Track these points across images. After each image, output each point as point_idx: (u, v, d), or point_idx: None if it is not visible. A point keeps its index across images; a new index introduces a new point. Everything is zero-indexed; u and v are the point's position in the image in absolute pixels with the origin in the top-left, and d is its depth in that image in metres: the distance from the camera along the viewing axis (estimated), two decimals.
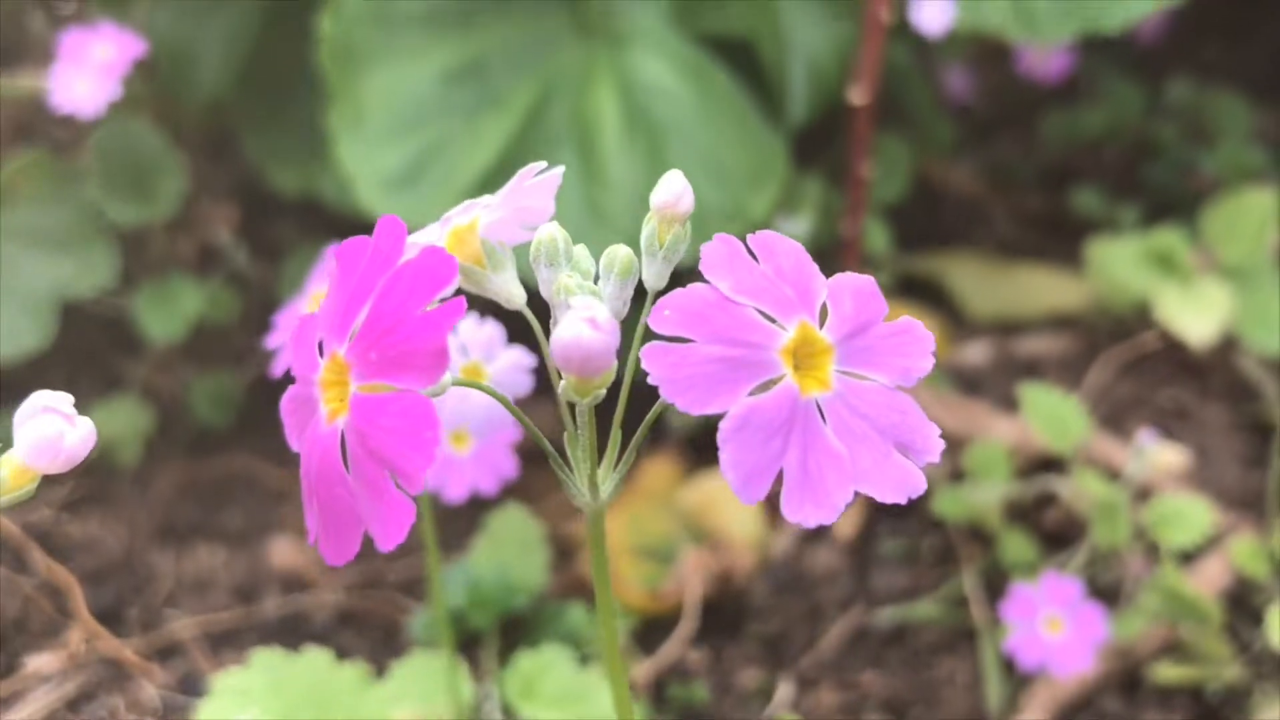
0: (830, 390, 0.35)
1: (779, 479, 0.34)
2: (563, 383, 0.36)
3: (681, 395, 0.33)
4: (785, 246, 0.36)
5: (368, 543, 1.03)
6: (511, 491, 0.93)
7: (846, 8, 1.02)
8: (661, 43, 0.98)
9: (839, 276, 0.37)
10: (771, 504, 1.00)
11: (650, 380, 0.34)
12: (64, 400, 0.37)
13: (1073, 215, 1.28)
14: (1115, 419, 1.06)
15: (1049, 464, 1.00)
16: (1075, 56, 1.31)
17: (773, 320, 0.35)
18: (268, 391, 1.12)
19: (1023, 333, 1.18)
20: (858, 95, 1.00)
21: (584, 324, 0.33)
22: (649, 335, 0.36)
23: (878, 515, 1.02)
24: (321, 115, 0.96)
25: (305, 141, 1.06)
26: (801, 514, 0.34)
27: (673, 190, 0.39)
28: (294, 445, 0.37)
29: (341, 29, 0.93)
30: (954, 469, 1.00)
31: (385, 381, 0.33)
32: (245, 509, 1.04)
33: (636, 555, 0.97)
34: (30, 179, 1.00)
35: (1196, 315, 1.04)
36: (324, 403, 0.35)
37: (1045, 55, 1.28)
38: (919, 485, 0.35)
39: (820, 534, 1.01)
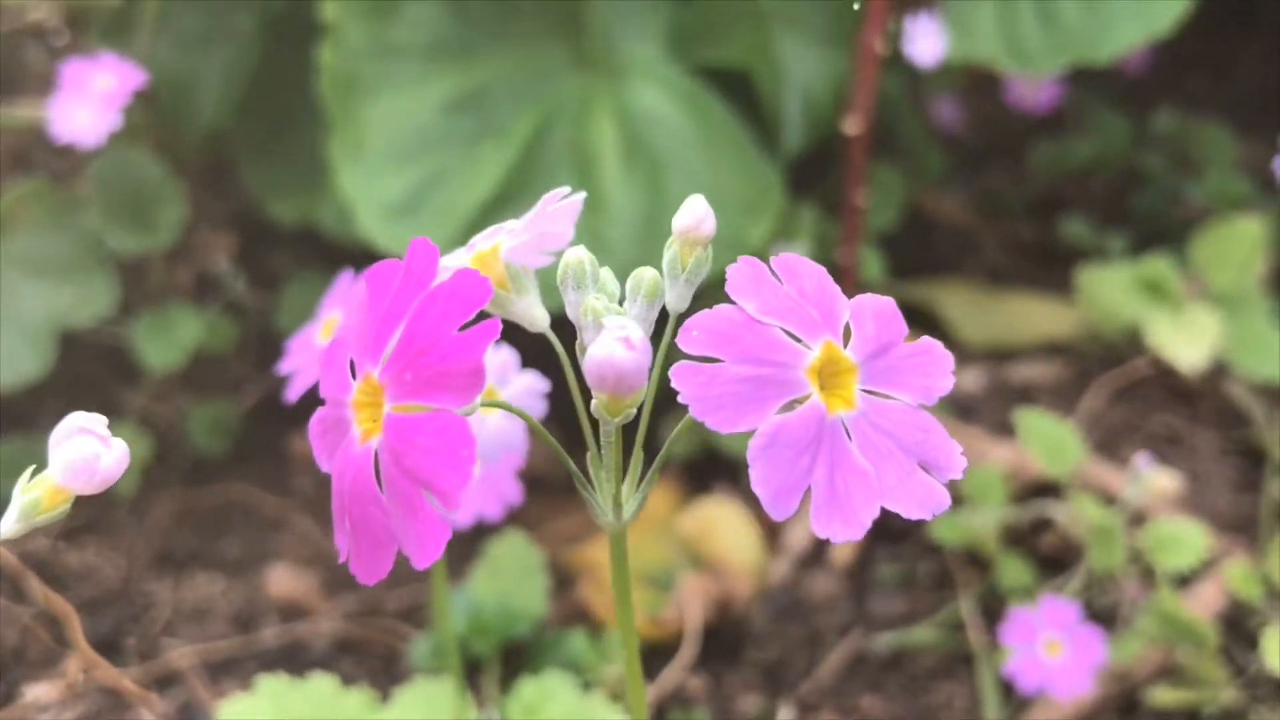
0: (855, 409, 0.36)
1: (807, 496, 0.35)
2: (593, 402, 0.37)
3: (711, 414, 0.34)
4: (808, 268, 0.37)
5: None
6: (510, 519, 0.94)
7: (841, 39, 1.03)
8: (659, 74, 0.99)
9: (860, 298, 0.38)
10: (770, 529, 1.00)
11: (680, 399, 0.34)
12: (99, 422, 0.38)
13: (1062, 244, 1.29)
14: (1108, 445, 1.07)
15: (1044, 489, 1.00)
16: (1063, 88, 1.33)
17: (798, 340, 0.36)
18: (265, 420, 1.12)
19: (1015, 360, 1.19)
20: (852, 125, 1.01)
21: (618, 343, 0.34)
22: (669, 358, 0.37)
23: (874, 541, 1.03)
24: (321, 145, 0.97)
25: (304, 171, 1.07)
26: (830, 530, 0.34)
27: (695, 214, 0.40)
28: (324, 466, 0.38)
29: (342, 59, 0.94)
30: (951, 495, 1.00)
31: (421, 401, 0.34)
32: (243, 537, 1.04)
33: (636, 582, 0.97)
34: (30, 208, 1.00)
35: (1187, 342, 1.06)
36: (357, 424, 0.36)
37: (1035, 86, 1.29)
38: (943, 502, 0.36)
39: (818, 560, 1.01)
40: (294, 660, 0.94)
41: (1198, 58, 1.48)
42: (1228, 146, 1.31)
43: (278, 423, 1.12)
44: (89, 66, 0.97)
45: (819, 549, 1.02)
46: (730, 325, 0.35)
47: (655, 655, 0.93)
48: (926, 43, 1.00)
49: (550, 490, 1.06)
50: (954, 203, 1.37)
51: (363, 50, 0.94)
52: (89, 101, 0.96)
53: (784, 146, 1.03)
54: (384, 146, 0.93)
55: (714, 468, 1.05)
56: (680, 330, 0.35)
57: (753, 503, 1.03)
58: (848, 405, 0.36)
